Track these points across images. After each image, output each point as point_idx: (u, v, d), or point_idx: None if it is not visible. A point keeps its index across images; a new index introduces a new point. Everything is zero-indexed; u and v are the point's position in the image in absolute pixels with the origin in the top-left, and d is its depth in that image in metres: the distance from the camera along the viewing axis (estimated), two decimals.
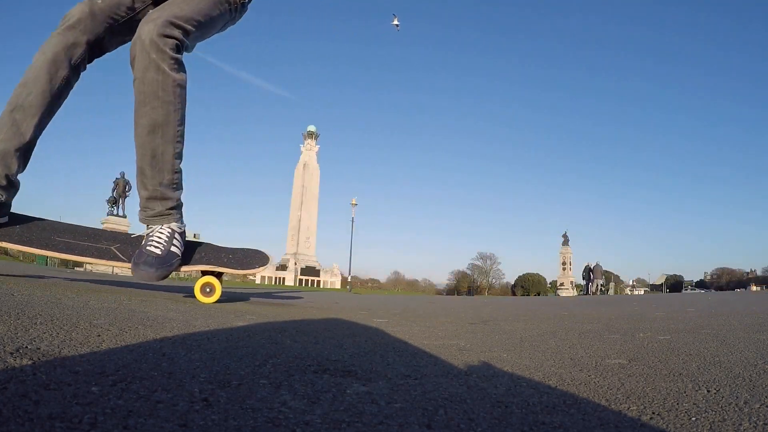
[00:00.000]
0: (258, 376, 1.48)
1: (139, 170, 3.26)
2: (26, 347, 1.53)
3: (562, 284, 57.59)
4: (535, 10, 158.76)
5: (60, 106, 3.32)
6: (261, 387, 1.35)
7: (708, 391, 1.50)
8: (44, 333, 1.81)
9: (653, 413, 1.28)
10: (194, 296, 3.63)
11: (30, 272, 6.56)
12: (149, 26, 3.00)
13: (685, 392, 1.49)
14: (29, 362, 1.35)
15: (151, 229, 3.40)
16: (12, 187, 3.28)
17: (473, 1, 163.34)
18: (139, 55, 3.01)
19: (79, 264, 37.98)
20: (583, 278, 36.12)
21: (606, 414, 1.28)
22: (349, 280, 38.50)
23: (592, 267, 34.59)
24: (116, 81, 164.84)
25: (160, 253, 3.28)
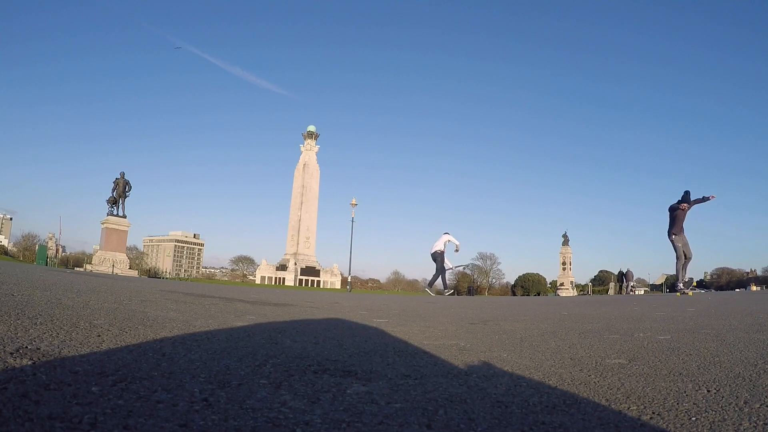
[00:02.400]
0: (258, 376, 1.48)
1: None
2: (26, 347, 1.53)
3: (562, 284, 57.73)
4: (534, 16, 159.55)
5: None
6: (261, 387, 1.35)
7: (708, 391, 1.50)
8: (44, 333, 1.81)
9: (653, 413, 1.28)
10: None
11: (32, 272, 6.57)
12: None
13: (685, 392, 1.49)
14: (29, 362, 1.36)
15: None
16: None
17: (473, 6, 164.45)
18: None
19: (80, 264, 38.10)
20: (618, 281, 40.43)
21: (606, 414, 1.28)
22: (349, 280, 38.39)
23: (625, 272, 39.54)
24: (117, 85, 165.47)
25: None
